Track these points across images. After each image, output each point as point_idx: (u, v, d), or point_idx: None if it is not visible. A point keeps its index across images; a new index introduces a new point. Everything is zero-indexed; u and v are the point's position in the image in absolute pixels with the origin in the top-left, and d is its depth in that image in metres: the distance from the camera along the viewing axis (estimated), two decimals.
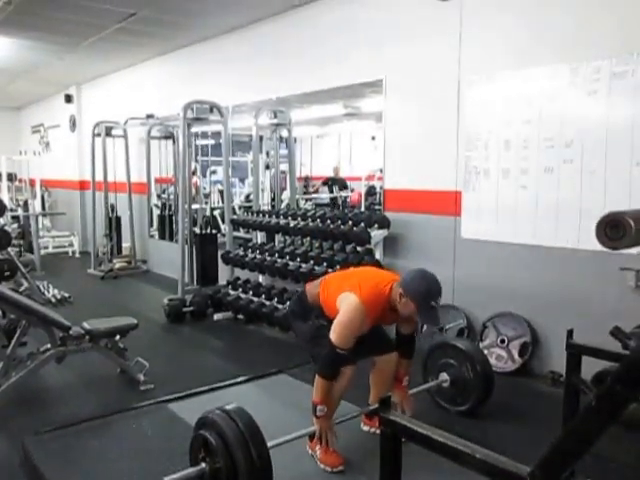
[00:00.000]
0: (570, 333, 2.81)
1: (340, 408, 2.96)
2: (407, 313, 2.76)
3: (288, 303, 4.59)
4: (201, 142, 7.78)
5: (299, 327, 3.13)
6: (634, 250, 1.95)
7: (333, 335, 2.67)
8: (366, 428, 3.17)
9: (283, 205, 7.21)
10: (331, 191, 10.33)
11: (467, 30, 4.22)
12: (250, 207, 6.60)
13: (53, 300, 6.26)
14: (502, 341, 4.07)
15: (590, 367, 2.90)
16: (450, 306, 4.40)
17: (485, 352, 4.09)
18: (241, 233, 6.90)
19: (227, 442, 2.21)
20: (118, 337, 3.95)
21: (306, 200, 10.09)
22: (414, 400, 3.15)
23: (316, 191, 10.76)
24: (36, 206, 9.47)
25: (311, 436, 2.88)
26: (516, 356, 4.01)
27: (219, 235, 6.76)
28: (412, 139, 4.75)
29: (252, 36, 6.24)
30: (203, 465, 2.29)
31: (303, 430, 2.77)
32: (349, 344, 2.66)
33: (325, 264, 4.80)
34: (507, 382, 3.89)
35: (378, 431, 2.03)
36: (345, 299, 2.76)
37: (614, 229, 1.39)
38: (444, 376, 3.32)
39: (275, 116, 6.18)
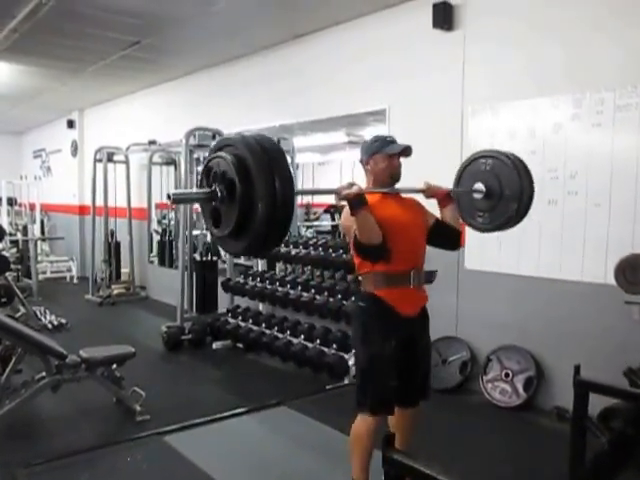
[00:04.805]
0: (577, 369, 2.73)
1: None
2: (388, 172, 2.77)
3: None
4: None
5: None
6: None
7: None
8: None
9: None
10: (333, 219, 10.31)
11: (470, 60, 4.25)
12: None
13: (50, 326, 6.18)
14: (506, 375, 3.99)
15: (595, 401, 2.83)
16: (453, 338, 4.34)
17: (489, 386, 4.04)
18: (241, 260, 6.86)
19: (247, 167, 1.74)
20: (115, 366, 3.87)
21: (307, 227, 10.06)
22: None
23: (317, 218, 10.74)
24: (35, 231, 9.44)
25: None
26: (521, 390, 3.93)
27: (219, 262, 6.71)
28: (415, 168, 4.70)
29: (255, 64, 6.29)
30: (214, 187, 1.85)
31: None
32: (370, 239, 2.49)
33: (326, 293, 4.75)
34: (512, 417, 3.81)
35: None
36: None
37: (634, 272, 1.33)
38: (479, 186, 2.93)
39: (278, 143, 6.18)
